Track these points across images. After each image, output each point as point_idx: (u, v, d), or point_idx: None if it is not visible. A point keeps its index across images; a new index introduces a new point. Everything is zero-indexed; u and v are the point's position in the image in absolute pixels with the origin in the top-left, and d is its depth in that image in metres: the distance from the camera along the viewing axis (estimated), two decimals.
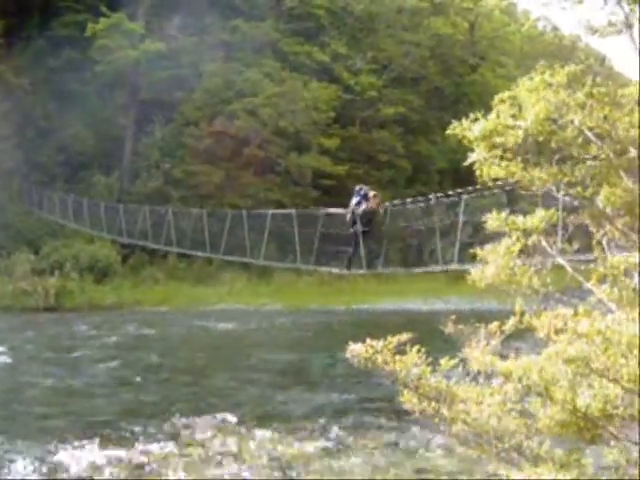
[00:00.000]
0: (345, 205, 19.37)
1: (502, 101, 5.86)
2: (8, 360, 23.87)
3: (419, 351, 5.83)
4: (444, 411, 5.84)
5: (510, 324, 5.91)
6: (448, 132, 6.00)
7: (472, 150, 6.06)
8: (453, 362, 5.95)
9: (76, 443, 14.04)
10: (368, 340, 5.90)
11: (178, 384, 20.98)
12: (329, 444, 14.30)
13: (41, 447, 13.90)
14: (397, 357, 5.80)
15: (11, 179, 45.58)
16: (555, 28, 67.72)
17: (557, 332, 5.30)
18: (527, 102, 5.69)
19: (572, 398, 5.24)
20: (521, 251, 6.05)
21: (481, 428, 5.74)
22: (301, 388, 20.36)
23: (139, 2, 50.13)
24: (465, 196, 16.98)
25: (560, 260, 6.10)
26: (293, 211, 24.98)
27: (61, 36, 48.12)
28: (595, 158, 5.89)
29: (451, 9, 63.09)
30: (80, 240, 43.23)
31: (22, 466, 12.94)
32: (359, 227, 18.52)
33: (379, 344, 5.82)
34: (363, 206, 18.45)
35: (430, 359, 5.97)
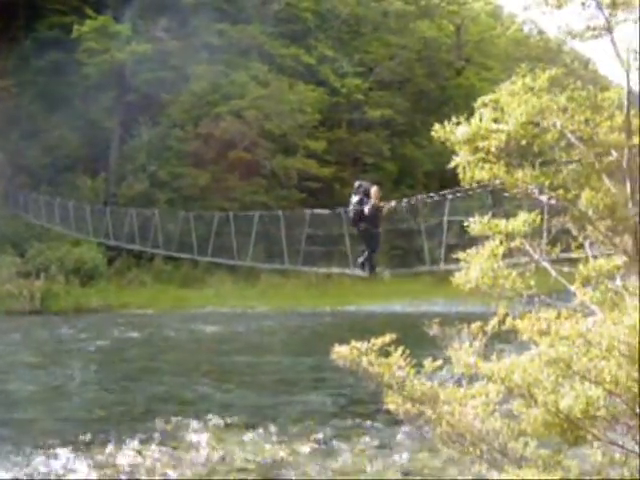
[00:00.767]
0: (332, 207, 19.27)
1: (484, 105, 5.90)
2: None
3: (403, 353, 5.86)
4: (428, 412, 5.88)
5: (492, 325, 5.95)
6: (431, 134, 6.04)
7: (457, 153, 6.10)
8: (437, 364, 5.98)
9: (60, 446, 13.99)
10: (353, 342, 5.93)
11: (164, 387, 20.91)
12: (316, 446, 14.31)
13: (24, 450, 13.84)
14: (381, 359, 5.83)
15: None
16: (541, 31, 68.01)
17: (540, 334, 5.34)
18: (509, 106, 5.73)
19: (554, 400, 5.27)
20: (505, 254, 6.09)
21: (465, 429, 5.77)
22: (289, 390, 20.35)
23: (125, 4, 49.99)
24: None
25: (543, 263, 6.15)
26: (280, 213, 25.04)
27: (47, 38, 47.90)
28: (577, 161, 5.94)
29: (437, 12, 63.21)
30: (66, 243, 43.04)
31: (4, 469, 12.88)
32: (370, 227, 17.18)
33: (364, 346, 5.85)
34: (368, 204, 16.93)
35: (415, 361, 6.00)
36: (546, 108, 5.68)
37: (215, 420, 15.96)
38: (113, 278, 44.58)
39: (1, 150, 45.53)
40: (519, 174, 5.86)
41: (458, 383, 6.01)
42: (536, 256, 6.22)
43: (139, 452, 13.76)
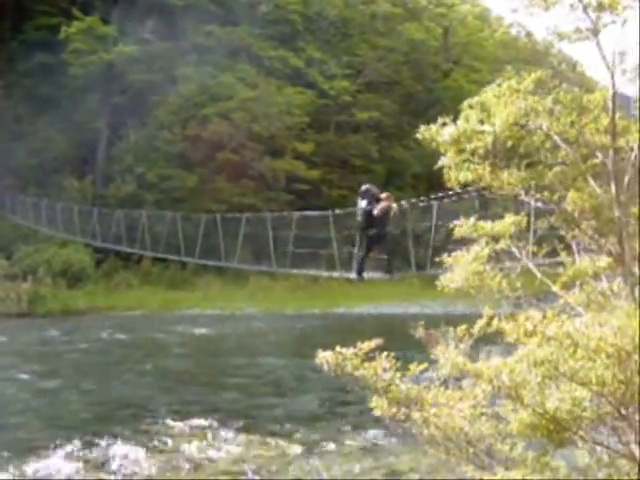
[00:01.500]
0: (320, 209, 19.15)
1: (470, 107, 5.91)
2: None
3: (388, 356, 5.85)
4: (415, 415, 5.87)
5: (478, 327, 5.95)
6: (417, 136, 6.04)
7: (444, 154, 6.11)
8: (422, 366, 5.98)
9: (45, 448, 13.92)
10: (338, 347, 5.92)
11: (151, 389, 20.85)
12: (304, 448, 14.30)
13: (12, 452, 13.77)
14: (366, 363, 5.83)
15: None
16: (529, 34, 68.15)
17: (527, 335, 5.34)
18: (495, 107, 5.74)
19: (541, 401, 5.28)
20: (492, 257, 6.10)
21: (452, 432, 5.77)
22: (276, 392, 20.33)
23: (113, 6, 49.88)
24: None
25: (529, 264, 6.16)
26: (268, 214, 25.02)
27: (34, 39, 47.75)
28: (563, 163, 5.95)
29: (425, 15, 63.37)
30: (53, 245, 42.83)
31: None
32: (380, 230, 16.61)
33: (348, 351, 5.84)
34: (379, 207, 16.36)
35: (401, 364, 5.99)
36: (532, 110, 5.70)
37: (201, 422, 15.92)
38: (101, 280, 44.40)
39: None
40: (505, 175, 5.87)
41: (444, 385, 6.01)
42: (523, 258, 6.23)
43: (124, 455, 13.71)
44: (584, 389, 5.13)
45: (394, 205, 16.90)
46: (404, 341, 6.86)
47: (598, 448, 5.71)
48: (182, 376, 22.89)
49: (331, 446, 14.42)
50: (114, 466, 13.21)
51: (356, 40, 60.09)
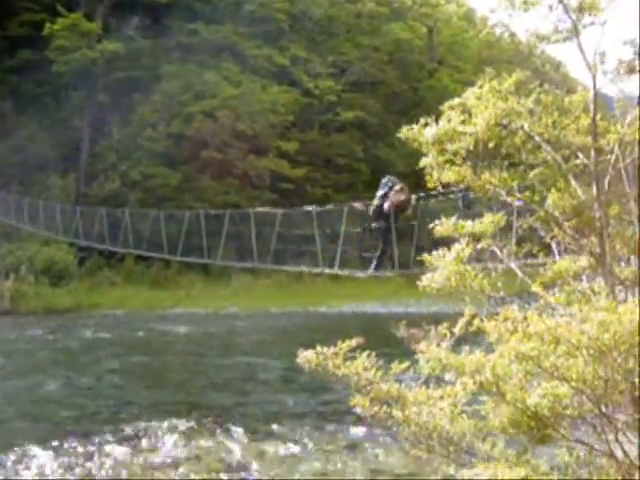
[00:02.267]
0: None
1: (451, 107, 5.93)
2: None
3: (369, 355, 5.86)
4: (396, 414, 5.88)
5: (459, 326, 5.97)
6: (400, 136, 6.06)
7: (427, 155, 6.13)
8: (404, 365, 5.99)
9: (28, 448, 13.85)
10: (318, 347, 5.92)
11: (135, 388, 20.78)
12: (287, 447, 14.29)
13: None
14: (348, 362, 5.83)
15: None
16: (512, 34, 68.20)
17: (509, 334, 5.37)
18: (477, 108, 5.77)
19: (522, 397, 5.30)
20: (473, 256, 6.12)
21: (432, 430, 5.79)
22: (259, 391, 20.32)
23: (97, 2, 49.67)
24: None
25: (510, 264, 6.19)
26: (251, 211, 24.98)
27: (17, 36, 47.57)
28: (544, 163, 5.99)
29: (410, 14, 63.50)
30: (36, 243, 42.65)
31: None
32: (386, 224, 16.16)
33: (329, 351, 5.84)
34: (388, 201, 15.98)
35: (383, 362, 6.00)
36: (513, 111, 5.73)
37: (184, 421, 15.88)
38: (84, 278, 44.26)
39: None
40: (486, 176, 5.90)
41: (425, 384, 6.02)
42: (504, 258, 6.26)
43: (107, 454, 13.66)
44: (565, 385, 5.16)
45: (402, 198, 16.20)
46: (386, 339, 6.87)
47: (578, 446, 5.74)
48: (165, 375, 22.84)
49: (312, 445, 14.42)
50: (96, 465, 13.16)
51: (341, 39, 60.14)
